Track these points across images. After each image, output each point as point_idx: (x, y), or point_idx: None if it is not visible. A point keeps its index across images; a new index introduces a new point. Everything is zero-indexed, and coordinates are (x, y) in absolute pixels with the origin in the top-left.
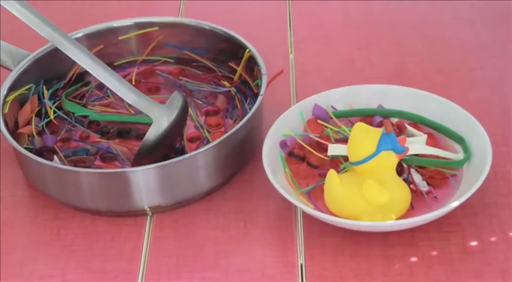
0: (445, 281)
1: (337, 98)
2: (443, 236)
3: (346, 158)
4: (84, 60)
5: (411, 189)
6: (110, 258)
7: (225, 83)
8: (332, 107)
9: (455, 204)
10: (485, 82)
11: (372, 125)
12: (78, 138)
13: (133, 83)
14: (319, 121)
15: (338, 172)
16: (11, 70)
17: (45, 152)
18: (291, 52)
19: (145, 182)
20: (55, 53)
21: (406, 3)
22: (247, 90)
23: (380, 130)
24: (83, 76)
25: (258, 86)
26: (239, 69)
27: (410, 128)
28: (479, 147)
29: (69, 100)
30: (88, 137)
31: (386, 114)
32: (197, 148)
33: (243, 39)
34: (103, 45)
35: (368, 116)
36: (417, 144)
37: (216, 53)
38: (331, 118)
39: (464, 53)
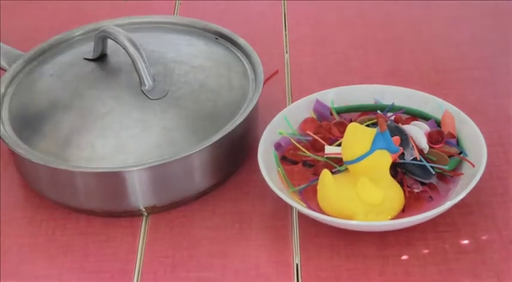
0: (441, 280)
1: (332, 97)
2: (439, 236)
3: (340, 161)
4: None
5: (406, 190)
6: (106, 258)
7: None
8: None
9: (450, 203)
10: (481, 82)
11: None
12: None
13: None
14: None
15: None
16: (5, 70)
17: None
18: (286, 52)
19: (140, 182)
20: None
21: (402, 2)
22: None
23: (374, 130)
24: None
25: None
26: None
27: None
28: (475, 146)
29: None
30: None
31: (386, 110)
32: None
33: (239, 38)
34: None
35: (368, 112)
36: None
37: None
38: (331, 114)
39: (460, 52)
